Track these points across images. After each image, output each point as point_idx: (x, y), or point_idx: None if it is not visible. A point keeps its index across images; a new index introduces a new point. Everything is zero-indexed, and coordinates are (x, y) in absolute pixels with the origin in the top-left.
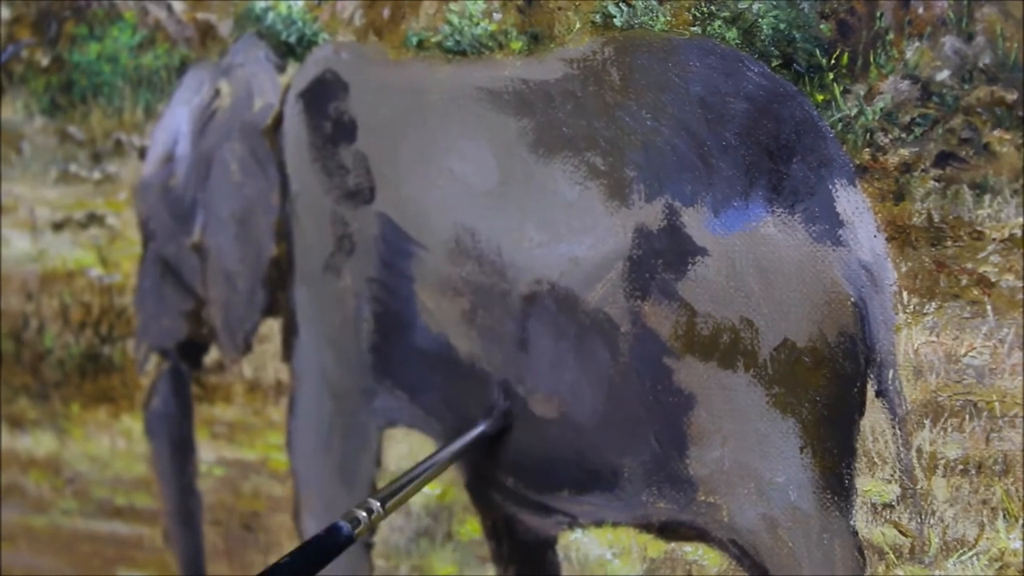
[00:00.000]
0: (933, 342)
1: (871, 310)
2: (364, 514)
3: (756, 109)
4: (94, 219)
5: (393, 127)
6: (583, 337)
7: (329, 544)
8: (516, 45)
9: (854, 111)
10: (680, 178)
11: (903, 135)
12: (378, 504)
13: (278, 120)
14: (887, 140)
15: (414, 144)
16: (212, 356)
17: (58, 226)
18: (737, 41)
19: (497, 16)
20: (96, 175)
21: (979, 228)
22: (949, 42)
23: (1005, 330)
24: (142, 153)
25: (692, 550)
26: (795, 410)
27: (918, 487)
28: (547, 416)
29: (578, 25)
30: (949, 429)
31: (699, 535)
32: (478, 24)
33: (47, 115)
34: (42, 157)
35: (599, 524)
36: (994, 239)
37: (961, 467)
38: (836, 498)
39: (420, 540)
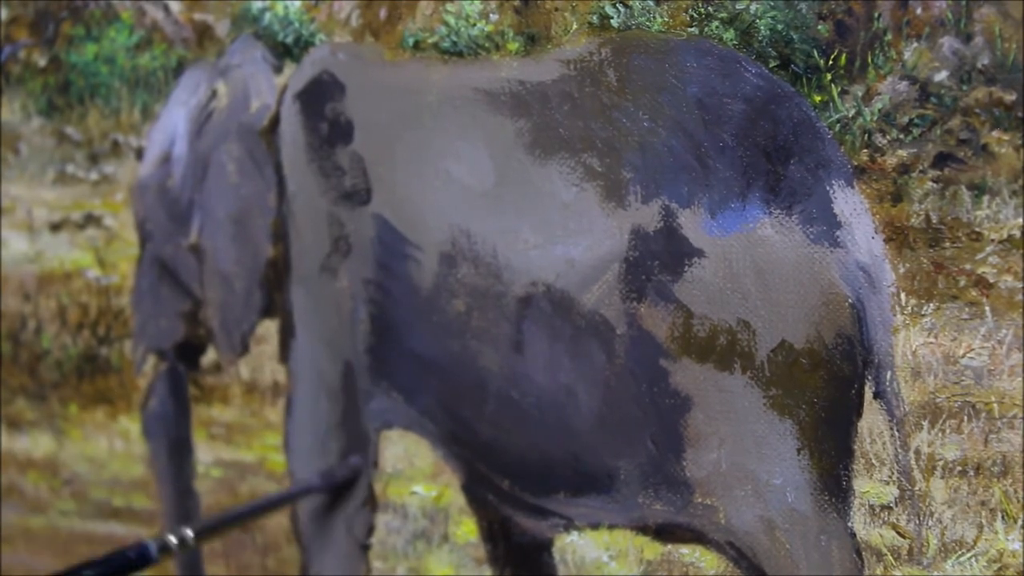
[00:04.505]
0: (931, 343)
1: (869, 311)
2: (175, 541)
3: (753, 110)
4: (91, 220)
5: (389, 128)
6: (579, 339)
7: (132, 560)
8: (513, 46)
9: (852, 112)
10: (677, 179)
11: (901, 136)
12: (192, 535)
13: (275, 121)
14: (885, 141)
15: (410, 145)
16: (209, 357)
17: (56, 227)
18: (735, 42)
19: (494, 17)
20: (93, 176)
21: (977, 229)
22: (947, 43)
23: (1004, 331)
24: (139, 154)
25: (689, 552)
26: (792, 412)
27: (916, 489)
28: (542, 418)
29: (575, 26)
30: (947, 430)
31: (696, 537)
32: (475, 25)
33: (44, 116)
34: (39, 158)
35: (595, 526)
36: (992, 240)
37: (959, 468)
38: (834, 500)
39: (417, 542)
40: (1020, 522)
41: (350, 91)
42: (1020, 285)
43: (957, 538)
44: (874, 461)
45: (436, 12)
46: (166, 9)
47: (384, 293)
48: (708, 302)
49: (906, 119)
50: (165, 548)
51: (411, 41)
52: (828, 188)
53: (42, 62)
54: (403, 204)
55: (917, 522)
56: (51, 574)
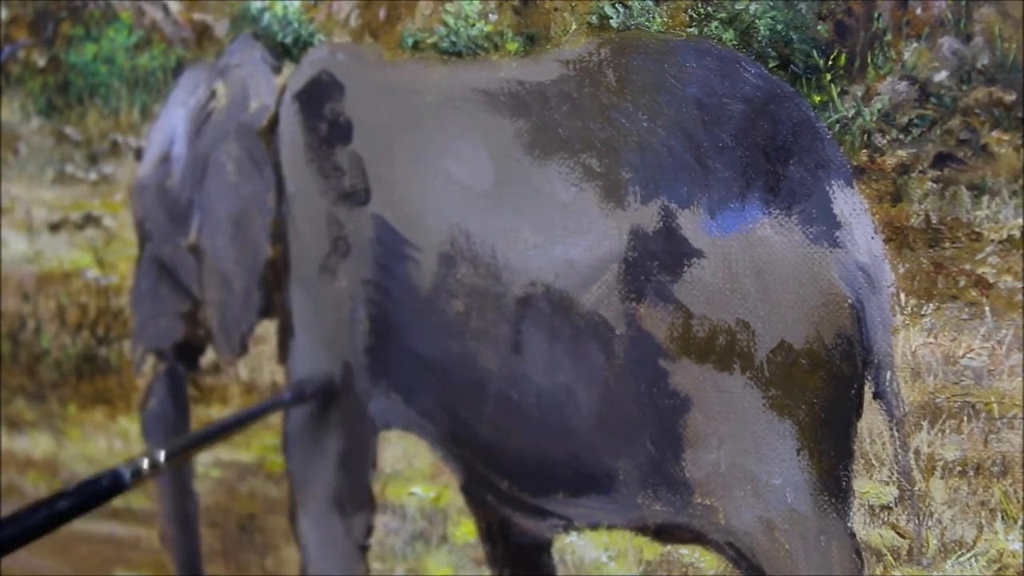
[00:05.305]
0: (931, 343)
1: (869, 311)
2: (147, 465)
3: (753, 110)
4: (90, 220)
5: (389, 128)
6: (578, 339)
7: (105, 488)
8: (512, 46)
9: (852, 112)
10: (676, 180)
11: (901, 136)
12: (163, 457)
13: (274, 121)
14: (885, 141)
15: (409, 145)
16: (208, 358)
17: (55, 227)
18: (734, 42)
19: (493, 17)
20: (92, 176)
21: (977, 229)
22: (947, 43)
23: (1003, 331)
24: (138, 154)
25: (688, 552)
26: (792, 412)
27: (916, 489)
28: (542, 419)
29: (574, 26)
30: (947, 431)
31: (695, 537)
32: (474, 25)
33: (43, 116)
34: (38, 158)
35: (595, 527)
36: (992, 240)
37: (959, 469)
38: (833, 500)
39: (415, 543)
40: (1020, 522)
41: (349, 91)
42: (1020, 285)
43: (957, 538)
44: (874, 461)
45: (435, 12)
46: (165, 9)
47: (383, 293)
48: (707, 302)
49: (906, 119)
50: (138, 473)
51: (410, 41)
52: (828, 188)
53: (41, 62)
54: (402, 204)
55: (917, 522)
56: (29, 504)
